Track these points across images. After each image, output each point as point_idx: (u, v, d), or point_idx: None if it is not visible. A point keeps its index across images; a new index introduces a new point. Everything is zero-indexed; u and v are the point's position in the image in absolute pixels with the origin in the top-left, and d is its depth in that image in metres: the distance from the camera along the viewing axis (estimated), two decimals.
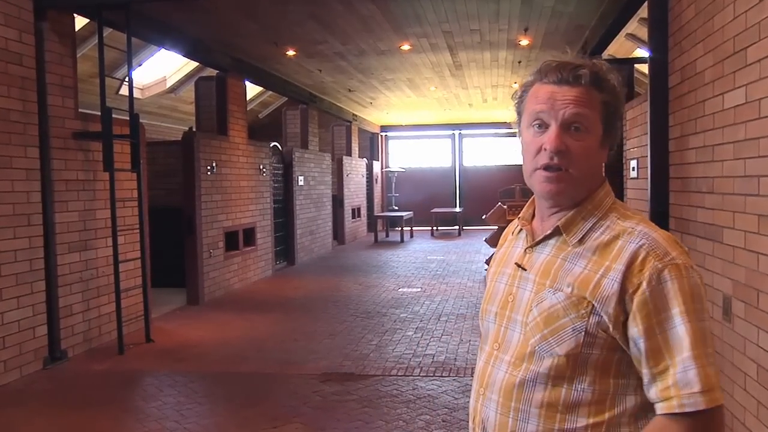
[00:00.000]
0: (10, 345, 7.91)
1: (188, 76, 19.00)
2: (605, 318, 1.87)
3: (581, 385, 1.91)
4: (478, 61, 15.41)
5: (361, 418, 6.57)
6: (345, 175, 23.37)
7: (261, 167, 15.73)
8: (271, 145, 16.89)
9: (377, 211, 28.36)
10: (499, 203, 16.06)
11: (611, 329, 1.87)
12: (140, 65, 16.66)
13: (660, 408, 1.81)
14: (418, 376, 7.97)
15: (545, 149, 1.98)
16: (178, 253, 12.82)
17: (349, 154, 24.90)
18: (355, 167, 25.02)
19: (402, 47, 13.82)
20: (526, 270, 2.09)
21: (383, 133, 31.51)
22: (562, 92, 1.99)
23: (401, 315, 11.29)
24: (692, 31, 6.40)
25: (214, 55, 13.66)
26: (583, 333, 1.89)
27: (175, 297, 12.72)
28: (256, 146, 15.64)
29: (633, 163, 9.02)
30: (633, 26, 13.92)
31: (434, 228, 27.49)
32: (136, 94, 15.01)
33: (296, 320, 11.08)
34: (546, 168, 1.99)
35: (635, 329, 1.84)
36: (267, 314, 11.68)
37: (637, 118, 8.84)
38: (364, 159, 27.46)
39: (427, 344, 9.37)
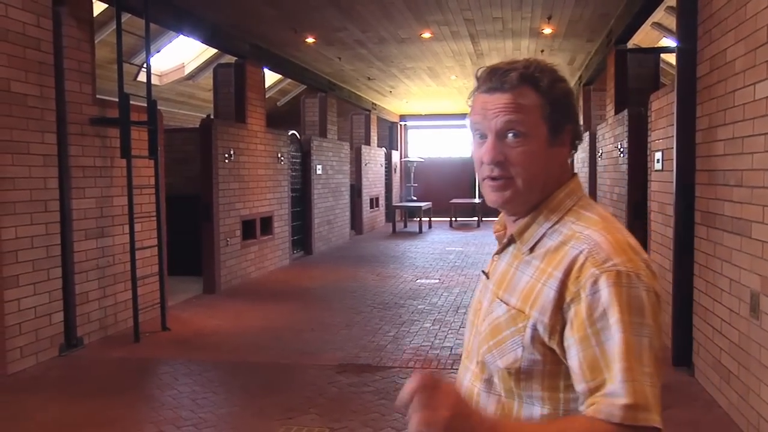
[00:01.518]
0: (27, 331, 7.87)
1: (206, 63, 18.95)
2: (542, 329, 1.78)
3: (530, 398, 1.84)
4: (500, 50, 15.27)
5: (378, 410, 6.48)
6: (363, 165, 23.29)
7: (279, 155, 15.65)
8: (290, 134, 16.81)
9: (395, 201, 28.28)
10: None
11: (548, 340, 1.78)
12: (158, 51, 16.62)
13: (583, 408, 1.71)
14: (436, 368, 7.88)
15: (483, 162, 1.94)
16: (194, 241, 12.77)
17: (367, 143, 24.82)
18: (374, 157, 24.93)
19: (423, 35, 13.72)
20: (488, 278, 2.07)
21: (402, 123, 31.43)
22: (493, 101, 1.91)
23: (419, 306, 11.20)
24: (723, 19, 6.27)
25: (232, 42, 13.59)
26: (520, 348, 1.82)
27: (192, 285, 12.67)
28: (275, 134, 15.56)
29: (658, 155, 8.88)
30: (659, 15, 13.76)
31: (453, 219, 27.37)
32: (154, 80, 14.98)
33: (313, 310, 11.01)
34: (491, 179, 1.94)
35: (571, 339, 1.73)
36: (283, 304, 11.61)
37: (662, 109, 8.70)
38: (383, 148, 27.38)
39: (445, 336, 9.28)
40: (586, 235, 1.82)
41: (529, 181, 1.91)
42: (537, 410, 1.84)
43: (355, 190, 22.84)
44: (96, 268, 9.08)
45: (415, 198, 29.17)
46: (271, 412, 6.50)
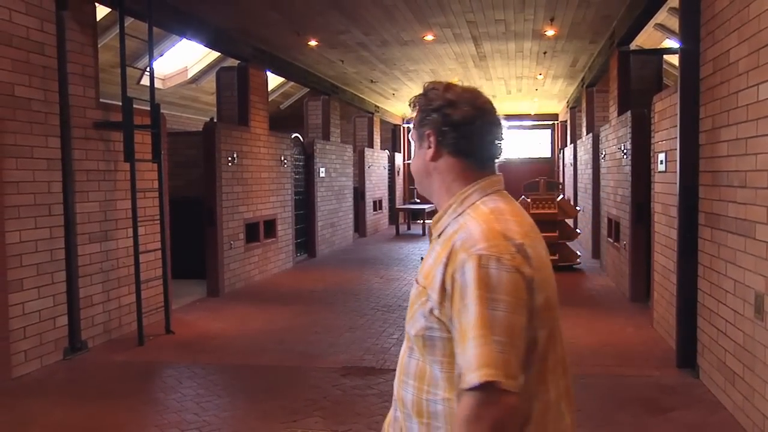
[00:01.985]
0: (31, 335, 7.87)
1: (209, 66, 18.97)
2: (433, 303, 2.08)
3: (435, 362, 2.12)
4: (502, 51, 15.28)
5: (382, 413, 6.46)
6: (366, 167, 23.27)
7: (282, 158, 15.66)
8: (293, 137, 16.81)
9: (399, 204, 28.28)
10: (523, 196, 15.95)
11: (438, 313, 2.07)
12: (161, 55, 16.64)
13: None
14: None
15: None
16: (198, 244, 12.77)
17: (370, 145, 24.82)
18: (377, 159, 24.92)
19: (425, 37, 13.72)
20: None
21: (405, 125, 31.40)
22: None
23: None
24: (726, 20, 6.26)
25: (235, 45, 13.60)
26: (423, 318, 2.13)
27: (196, 288, 12.68)
28: (278, 137, 15.56)
29: (661, 157, 8.87)
30: (662, 16, 13.77)
31: None
32: (158, 84, 15.00)
33: (316, 313, 11.00)
34: None
35: (451, 314, 2.03)
36: (287, 307, 11.61)
37: (665, 111, 8.70)
38: (386, 151, 27.37)
39: None
40: (468, 225, 2.11)
41: (418, 182, 2.42)
42: (438, 373, 2.12)
43: (359, 193, 22.83)
44: (100, 271, 9.09)
45: (418, 200, 29.13)
46: (275, 415, 6.50)
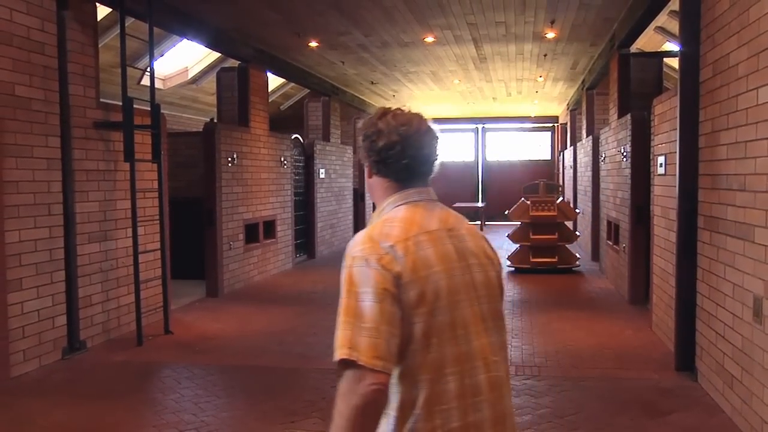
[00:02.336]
0: (30, 335, 7.88)
1: (210, 67, 18.95)
2: None
3: None
4: (503, 54, 15.28)
5: None
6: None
7: (282, 159, 15.66)
8: (293, 137, 16.82)
9: None
10: (523, 198, 15.95)
11: None
12: (162, 55, 16.62)
13: None
14: None
15: None
16: (197, 244, 12.78)
17: None
18: None
19: (426, 39, 13.72)
20: None
21: None
22: None
23: None
24: (726, 24, 6.27)
25: (236, 46, 13.61)
26: None
27: (195, 289, 12.68)
28: (278, 138, 15.57)
29: (661, 160, 8.88)
30: (663, 19, 13.76)
31: None
32: (158, 84, 14.98)
33: (316, 314, 11.00)
34: None
35: None
36: (286, 307, 11.61)
37: (665, 113, 8.70)
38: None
39: None
40: (358, 234, 2.47)
41: (371, 197, 2.76)
42: None
43: (358, 194, 22.82)
44: (99, 271, 9.09)
45: None
46: (274, 415, 6.50)
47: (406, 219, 2.46)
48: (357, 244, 2.38)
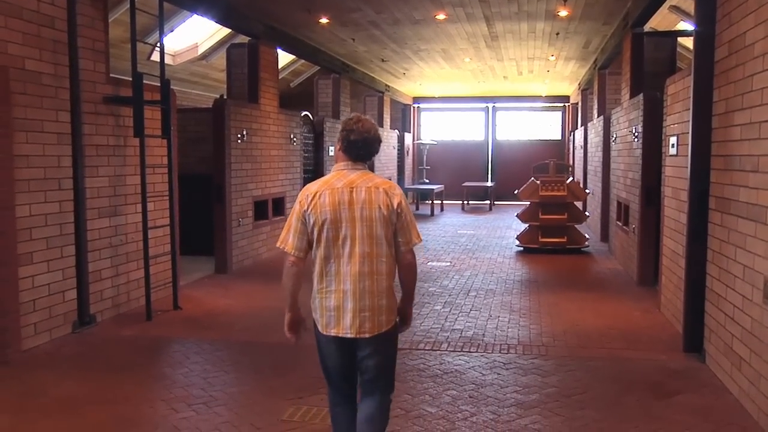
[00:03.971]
0: (40, 308, 7.91)
1: (220, 43, 18.92)
2: None
3: None
4: (514, 32, 15.20)
5: None
6: None
7: (292, 136, 15.64)
8: (302, 115, 16.78)
9: (408, 184, 28.28)
10: (532, 178, 15.92)
11: None
12: (172, 31, 16.58)
13: None
14: (446, 351, 7.89)
15: None
16: (207, 221, 12.79)
17: (380, 125, 24.74)
18: (387, 139, 24.85)
19: (437, 17, 13.66)
20: None
21: (416, 105, 31.36)
22: None
23: (430, 289, 11.21)
24: (743, 2, 6.21)
25: (246, 22, 13.56)
26: None
27: (204, 265, 12.71)
28: (287, 115, 15.54)
29: (673, 140, 8.83)
30: None
31: (465, 202, 27.36)
32: (168, 60, 14.97)
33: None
34: None
35: None
36: None
37: (678, 93, 8.65)
38: (396, 131, 27.37)
39: (456, 319, 9.28)
40: None
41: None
42: None
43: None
44: (109, 246, 9.11)
45: (427, 180, 29.13)
46: (282, 391, 6.52)
47: (324, 180, 4.49)
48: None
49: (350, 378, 4.61)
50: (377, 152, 4.64)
